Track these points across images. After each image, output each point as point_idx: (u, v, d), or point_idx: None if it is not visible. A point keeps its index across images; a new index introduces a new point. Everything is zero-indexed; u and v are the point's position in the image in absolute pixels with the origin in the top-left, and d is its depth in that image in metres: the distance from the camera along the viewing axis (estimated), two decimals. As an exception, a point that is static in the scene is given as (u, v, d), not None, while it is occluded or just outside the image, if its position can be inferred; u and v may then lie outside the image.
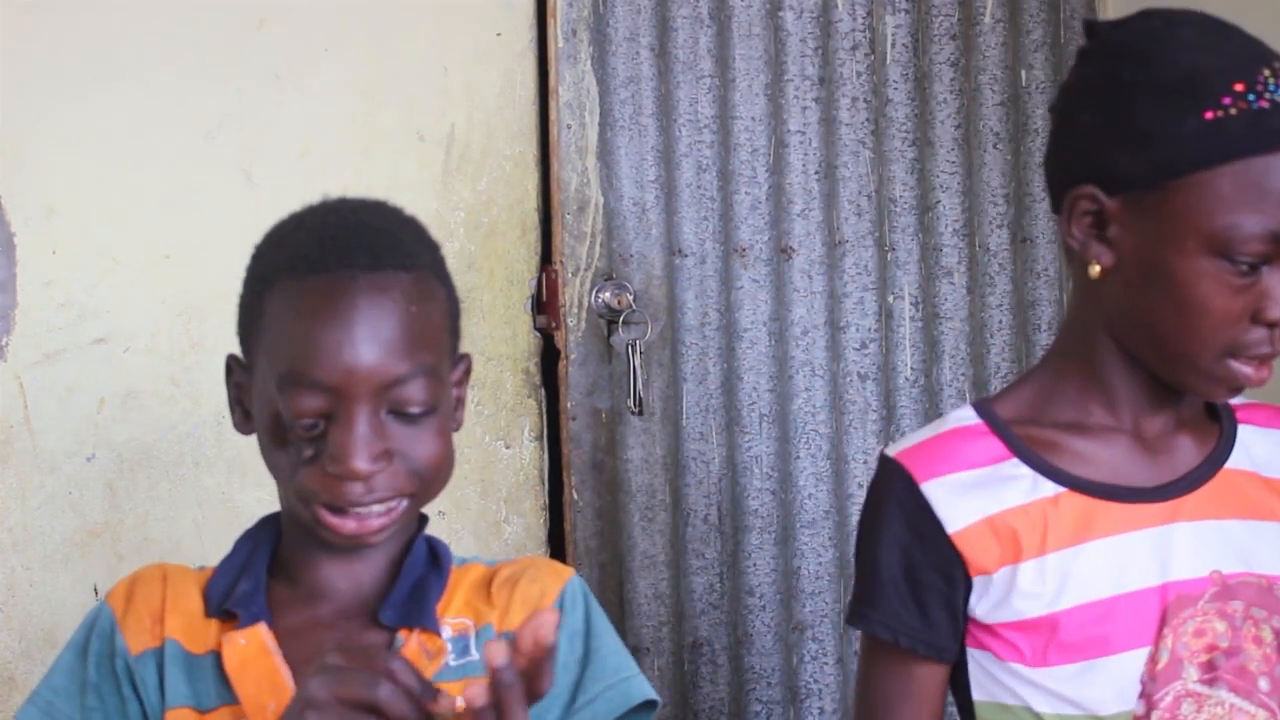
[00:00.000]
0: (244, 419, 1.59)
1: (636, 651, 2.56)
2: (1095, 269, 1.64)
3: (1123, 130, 1.59)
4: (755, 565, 2.66)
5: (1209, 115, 1.54)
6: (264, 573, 1.60)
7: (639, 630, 2.58)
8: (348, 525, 1.51)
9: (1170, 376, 1.66)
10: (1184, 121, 1.55)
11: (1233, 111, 1.54)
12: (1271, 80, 1.55)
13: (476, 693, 1.26)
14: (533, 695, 1.28)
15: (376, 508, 1.51)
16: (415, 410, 1.51)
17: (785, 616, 2.69)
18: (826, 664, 2.70)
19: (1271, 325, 1.59)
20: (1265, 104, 1.54)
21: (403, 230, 1.58)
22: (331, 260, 1.49)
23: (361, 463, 1.47)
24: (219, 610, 1.57)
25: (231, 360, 1.61)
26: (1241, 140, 1.54)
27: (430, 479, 1.55)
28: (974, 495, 1.65)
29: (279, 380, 1.49)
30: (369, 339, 1.47)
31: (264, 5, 2.36)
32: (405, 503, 1.54)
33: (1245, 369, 1.61)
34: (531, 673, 1.27)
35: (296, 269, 1.50)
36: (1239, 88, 1.54)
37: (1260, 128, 1.54)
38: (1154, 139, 1.57)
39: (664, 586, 2.61)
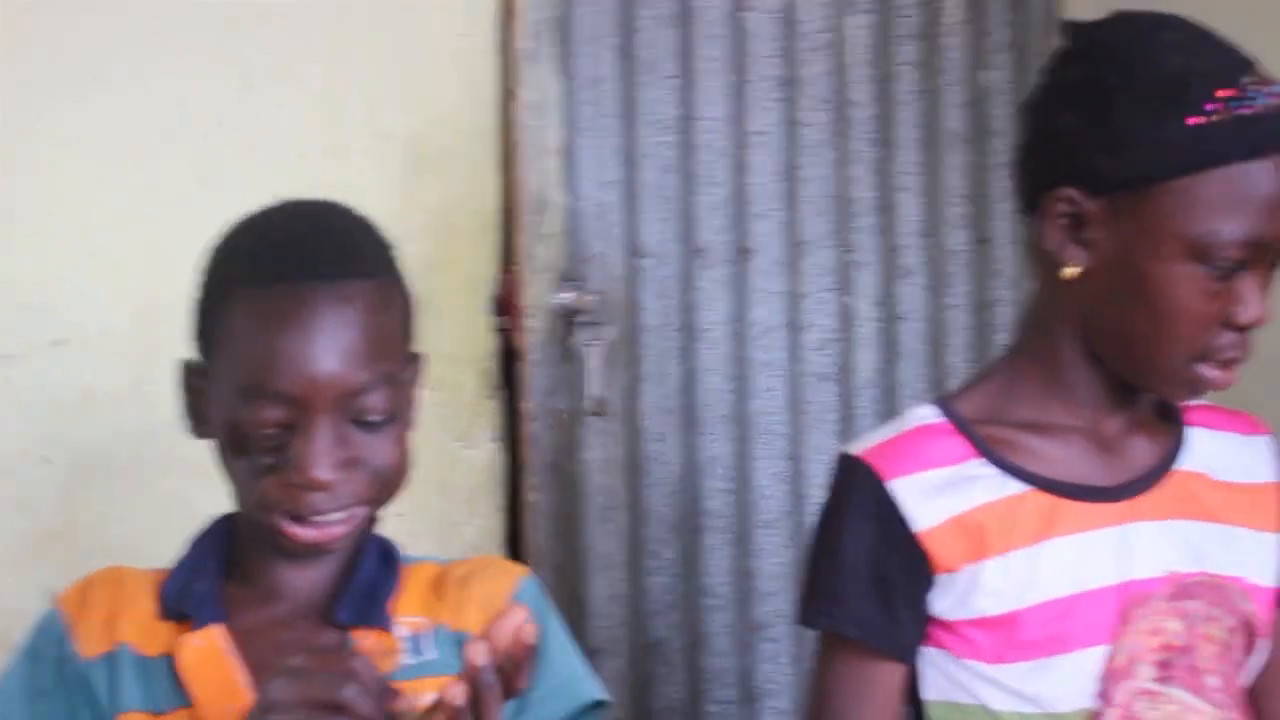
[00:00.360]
0: (200, 425, 1.59)
1: (593, 652, 2.55)
2: (1071, 271, 1.65)
3: (1105, 133, 1.60)
4: (712, 566, 2.67)
5: (1192, 121, 1.55)
6: (218, 573, 1.60)
7: (596, 631, 2.59)
8: (308, 534, 1.52)
9: (1136, 378, 1.67)
10: (1168, 126, 1.56)
11: (1216, 118, 1.55)
12: (1252, 87, 1.56)
13: (455, 692, 1.27)
14: (511, 693, 1.29)
15: (337, 515, 1.52)
16: (376, 419, 1.51)
17: (742, 617, 2.69)
18: (783, 664, 2.70)
19: (1241, 329, 1.60)
20: (1248, 111, 1.55)
21: (362, 235, 1.59)
22: (293, 270, 1.50)
23: (324, 472, 1.48)
24: (173, 612, 1.58)
25: (185, 365, 1.60)
26: (1225, 147, 1.55)
27: (390, 485, 1.56)
28: (941, 494, 1.66)
29: (240, 391, 1.49)
30: (331, 349, 1.48)
31: (228, 7, 2.35)
32: (365, 509, 1.55)
33: (1212, 373, 1.62)
34: (511, 671, 1.28)
35: (257, 278, 1.50)
36: (1223, 94, 1.55)
37: (1243, 135, 1.55)
38: (1137, 143, 1.58)
39: (621, 587, 2.62)
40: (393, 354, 1.54)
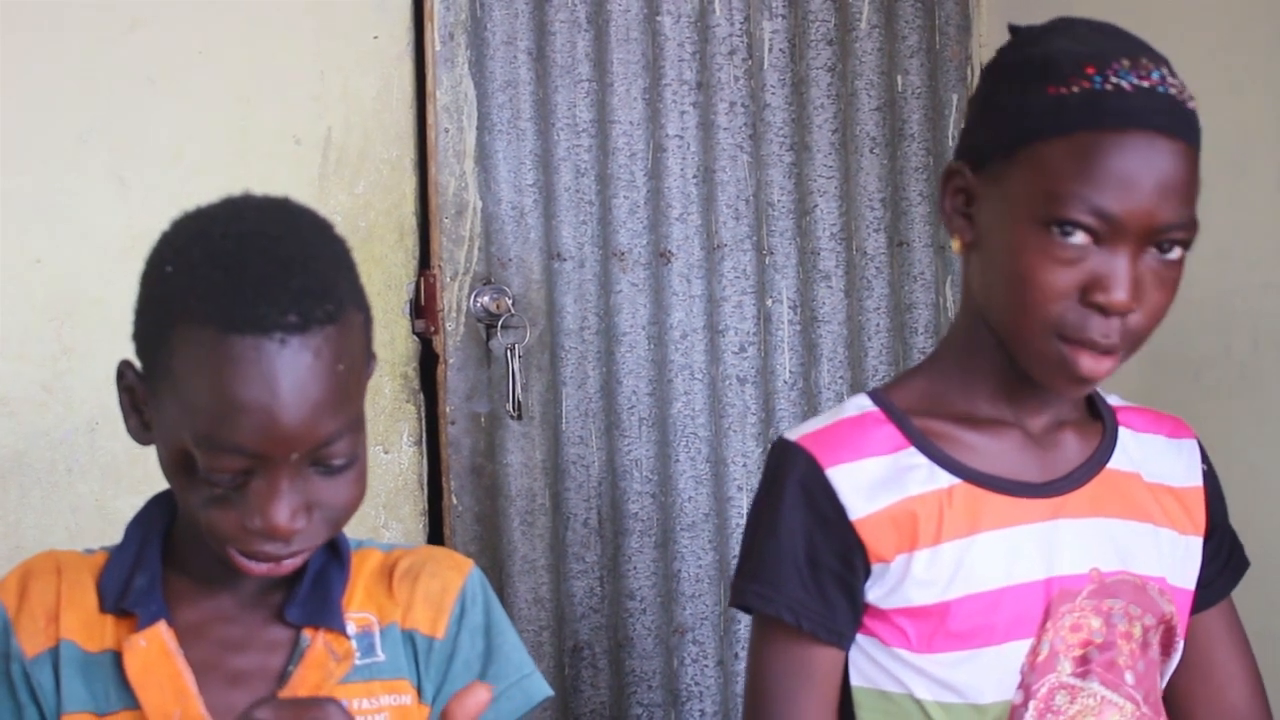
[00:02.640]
0: (142, 429, 1.50)
1: (518, 656, 2.55)
2: (956, 244, 1.68)
3: (984, 106, 1.65)
4: (635, 569, 2.66)
5: (1052, 90, 1.57)
6: (159, 564, 1.54)
7: (520, 635, 2.56)
8: (261, 568, 1.46)
9: (1016, 359, 1.66)
10: (1031, 95, 1.59)
11: (1075, 89, 1.57)
12: (1126, 68, 1.57)
13: None
14: None
15: (290, 558, 1.46)
16: (340, 462, 1.45)
17: (666, 619, 2.69)
18: (707, 666, 2.70)
19: (1101, 310, 1.58)
20: (1109, 86, 1.56)
21: (321, 261, 1.45)
22: (255, 321, 1.38)
23: (284, 521, 1.41)
24: (115, 607, 1.51)
25: (125, 366, 1.50)
26: (1078, 114, 1.56)
27: (346, 520, 1.50)
28: (877, 483, 1.66)
29: (195, 437, 1.40)
30: (297, 405, 1.38)
31: (136, 7, 2.32)
32: (319, 544, 1.50)
33: (1082, 358, 1.60)
34: None
35: (215, 320, 1.38)
36: (1088, 70, 1.57)
37: (1097, 106, 1.56)
38: (1006, 113, 1.61)
39: (544, 591, 2.61)
40: (358, 394, 1.47)
